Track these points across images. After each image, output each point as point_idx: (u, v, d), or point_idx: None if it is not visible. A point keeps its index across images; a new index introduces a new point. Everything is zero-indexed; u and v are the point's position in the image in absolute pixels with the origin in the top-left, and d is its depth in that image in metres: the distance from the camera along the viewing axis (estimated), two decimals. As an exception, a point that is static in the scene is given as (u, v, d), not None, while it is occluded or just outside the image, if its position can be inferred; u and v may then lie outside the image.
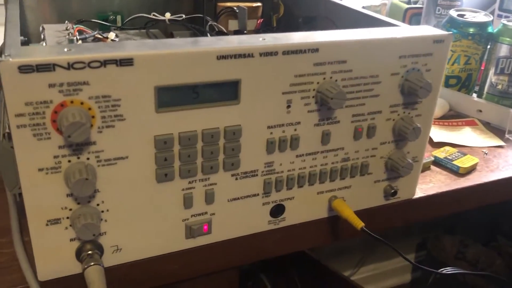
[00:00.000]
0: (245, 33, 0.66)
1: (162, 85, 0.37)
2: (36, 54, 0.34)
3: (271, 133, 0.43)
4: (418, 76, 0.47)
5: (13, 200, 0.45)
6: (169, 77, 0.37)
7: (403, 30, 0.47)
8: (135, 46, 0.37)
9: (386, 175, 0.52)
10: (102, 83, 0.35)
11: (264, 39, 0.41)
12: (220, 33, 0.66)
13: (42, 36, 0.56)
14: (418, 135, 0.48)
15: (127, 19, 0.74)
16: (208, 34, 0.63)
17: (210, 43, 0.39)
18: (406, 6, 1.12)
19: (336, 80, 0.44)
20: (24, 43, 0.65)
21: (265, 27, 0.73)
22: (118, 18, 0.77)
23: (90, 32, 0.54)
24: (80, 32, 0.53)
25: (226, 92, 0.40)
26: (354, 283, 1.01)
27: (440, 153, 0.64)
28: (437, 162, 0.63)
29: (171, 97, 0.38)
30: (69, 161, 0.37)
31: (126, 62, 0.35)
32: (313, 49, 0.42)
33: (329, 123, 0.46)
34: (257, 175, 0.45)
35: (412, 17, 1.12)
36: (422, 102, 0.49)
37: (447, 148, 0.65)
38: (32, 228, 0.38)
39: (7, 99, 0.33)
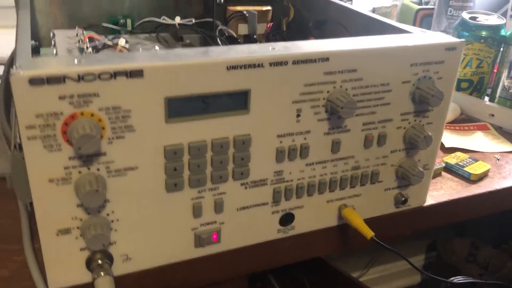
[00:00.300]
0: (255, 38, 0.66)
1: (172, 96, 0.37)
2: (47, 66, 0.34)
3: (281, 142, 0.43)
4: (429, 84, 0.46)
5: (24, 208, 0.45)
6: (179, 88, 0.37)
7: (414, 38, 0.47)
8: (145, 57, 0.37)
9: (397, 183, 0.51)
10: (112, 95, 0.35)
11: (274, 48, 0.41)
12: (230, 38, 0.66)
13: (52, 42, 0.56)
14: (429, 143, 0.48)
15: (137, 23, 0.74)
16: (218, 39, 0.63)
17: (220, 54, 0.39)
18: (417, 7, 1.12)
19: (346, 89, 0.43)
20: (35, 48, 0.65)
21: (275, 31, 0.72)
22: (128, 22, 0.77)
23: (101, 38, 0.54)
24: (91, 39, 0.53)
25: (236, 102, 0.40)
26: (363, 284, 1.01)
27: (451, 159, 0.63)
28: (448, 168, 0.62)
29: (181, 107, 0.38)
30: (80, 172, 0.37)
31: (136, 73, 0.35)
32: (323, 58, 0.41)
33: (339, 132, 0.45)
34: (266, 184, 0.45)
35: (424, 18, 1.11)
36: (434, 110, 0.49)
37: (458, 153, 0.65)
38: (43, 238, 0.38)
39: (18, 111, 0.33)
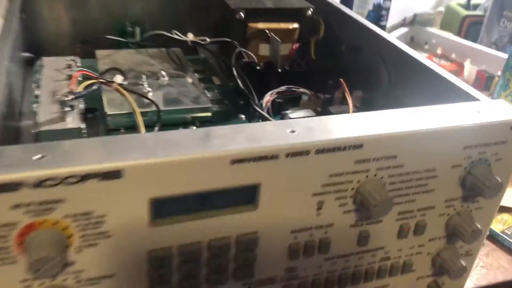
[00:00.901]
0: (277, 67, 0.57)
1: (158, 196, 0.29)
2: (-4, 167, 0.26)
3: (296, 237, 0.35)
4: (485, 171, 0.37)
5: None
6: (168, 187, 0.29)
7: (472, 113, 0.37)
8: (127, 149, 0.29)
9: (432, 271, 0.43)
10: (81, 199, 0.28)
11: (293, 131, 0.32)
12: (248, 65, 0.57)
13: (38, 76, 0.48)
14: (477, 237, 0.39)
15: (145, 35, 0.66)
16: (234, 70, 0.55)
17: (223, 142, 0.30)
18: (465, 12, 1.00)
19: (382, 177, 0.35)
20: (30, 61, 0.58)
21: (301, 55, 0.63)
22: (137, 30, 0.69)
23: (94, 75, 0.46)
24: (84, 77, 0.45)
25: (241, 197, 0.32)
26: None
27: (497, 225, 0.54)
28: (492, 236, 0.53)
29: (170, 207, 0.30)
30: (41, 284, 0.30)
31: (112, 175, 0.28)
32: (356, 145, 0.33)
33: (369, 223, 0.37)
34: (275, 282, 0.37)
35: (471, 26, 0.99)
36: (486, 193, 0.40)
37: (505, 217, 0.56)
38: None
39: (-43, 224, 0.26)
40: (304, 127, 0.33)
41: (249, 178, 0.31)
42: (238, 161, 0.30)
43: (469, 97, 0.41)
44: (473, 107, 0.38)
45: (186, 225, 0.31)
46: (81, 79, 0.47)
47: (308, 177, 0.33)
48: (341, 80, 0.50)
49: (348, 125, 0.34)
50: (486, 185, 0.36)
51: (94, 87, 0.43)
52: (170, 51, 0.63)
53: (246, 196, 0.32)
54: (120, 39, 0.65)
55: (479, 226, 0.39)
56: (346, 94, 0.48)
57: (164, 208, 0.30)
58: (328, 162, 0.33)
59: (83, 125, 0.38)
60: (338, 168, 0.33)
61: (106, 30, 0.67)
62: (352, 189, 0.35)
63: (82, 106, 0.42)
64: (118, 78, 0.46)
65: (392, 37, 0.53)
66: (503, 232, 0.53)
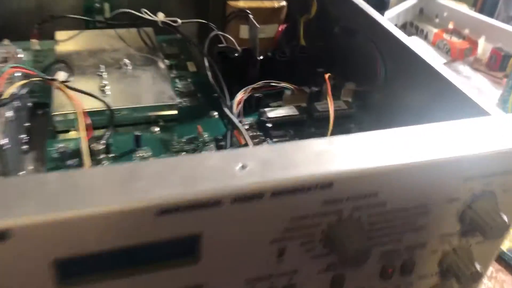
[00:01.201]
0: (256, 56, 0.50)
1: (64, 257, 0.23)
2: None
3: (252, 287, 0.29)
4: (489, 205, 0.30)
5: None
6: (76, 245, 0.23)
7: (475, 136, 0.30)
8: (16, 204, 0.22)
9: (422, 309, 0.37)
10: (-42, 266, 0.22)
11: (244, 167, 0.25)
12: (223, 53, 0.50)
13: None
14: (476, 280, 0.33)
15: (112, 13, 0.58)
16: (206, 60, 0.47)
17: (149, 186, 0.24)
18: (482, -19, 0.90)
19: (359, 217, 0.28)
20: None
21: (289, 38, 0.55)
22: (106, 6, 0.61)
23: (32, 72, 0.39)
24: (22, 76, 0.38)
25: (177, 250, 0.26)
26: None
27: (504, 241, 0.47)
28: (498, 255, 0.47)
29: (82, 267, 0.24)
30: None
31: (-5, 237, 0.21)
32: (324, 185, 0.26)
33: (343, 267, 0.31)
34: (229, 334, 0.31)
35: (488, -3, 0.89)
36: (490, 227, 0.33)
37: (513, 231, 0.49)
38: None
39: None
40: (259, 161, 0.26)
41: (185, 229, 0.25)
42: (166, 212, 0.23)
43: (473, 105, 0.34)
44: (477, 126, 0.31)
45: (106, 284, 0.25)
46: (20, 74, 0.40)
47: (264, 223, 0.26)
48: (325, 76, 0.43)
49: (316, 155, 0.27)
50: (488, 225, 0.30)
51: (23, 90, 0.36)
52: (141, 31, 0.56)
53: (184, 248, 0.26)
54: (83, 17, 0.57)
55: (478, 267, 0.32)
56: (328, 98, 0.41)
57: (73, 269, 0.24)
58: (289, 205, 0.26)
59: (5, 141, 0.32)
60: (302, 211, 0.27)
61: (74, 6, 0.60)
62: (322, 231, 0.28)
63: (9, 114, 0.35)
64: (61, 75, 0.39)
65: (392, 26, 0.45)
66: (509, 250, 0.46)
